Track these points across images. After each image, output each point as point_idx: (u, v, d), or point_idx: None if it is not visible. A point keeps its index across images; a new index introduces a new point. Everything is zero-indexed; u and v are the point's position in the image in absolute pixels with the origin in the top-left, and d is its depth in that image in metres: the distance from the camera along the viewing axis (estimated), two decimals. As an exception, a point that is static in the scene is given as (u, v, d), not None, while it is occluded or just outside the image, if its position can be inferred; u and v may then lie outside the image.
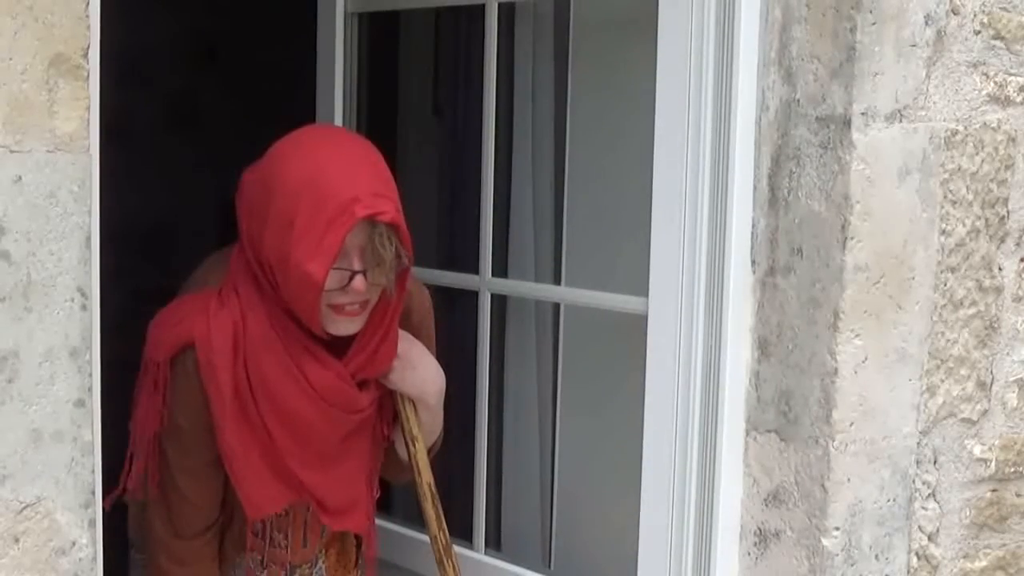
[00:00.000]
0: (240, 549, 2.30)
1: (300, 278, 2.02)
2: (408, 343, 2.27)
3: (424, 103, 3.20)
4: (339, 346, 2.16)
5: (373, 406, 2.25)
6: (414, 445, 2.30)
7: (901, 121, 2.13)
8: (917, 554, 2.27)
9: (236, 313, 2.11)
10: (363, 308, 2.11)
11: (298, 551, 2.34)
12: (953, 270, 2.23)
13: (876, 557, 2.22)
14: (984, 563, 2.36)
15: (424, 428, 2.32)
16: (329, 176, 2.02)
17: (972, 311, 2.27)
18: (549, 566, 2.82)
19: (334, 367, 2.15)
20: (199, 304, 2.13)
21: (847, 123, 2.09)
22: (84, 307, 1.69)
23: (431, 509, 2.32)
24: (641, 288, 2.34)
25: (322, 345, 2.15)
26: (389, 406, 2.31)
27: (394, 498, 3.04)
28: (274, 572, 2.34)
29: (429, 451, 2.36)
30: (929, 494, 2.27)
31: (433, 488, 2.33)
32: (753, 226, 2.22)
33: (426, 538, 2.38)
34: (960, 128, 2.21)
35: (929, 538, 2.28)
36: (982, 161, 2.24)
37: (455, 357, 2.48)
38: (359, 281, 2.05)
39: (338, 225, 1.99)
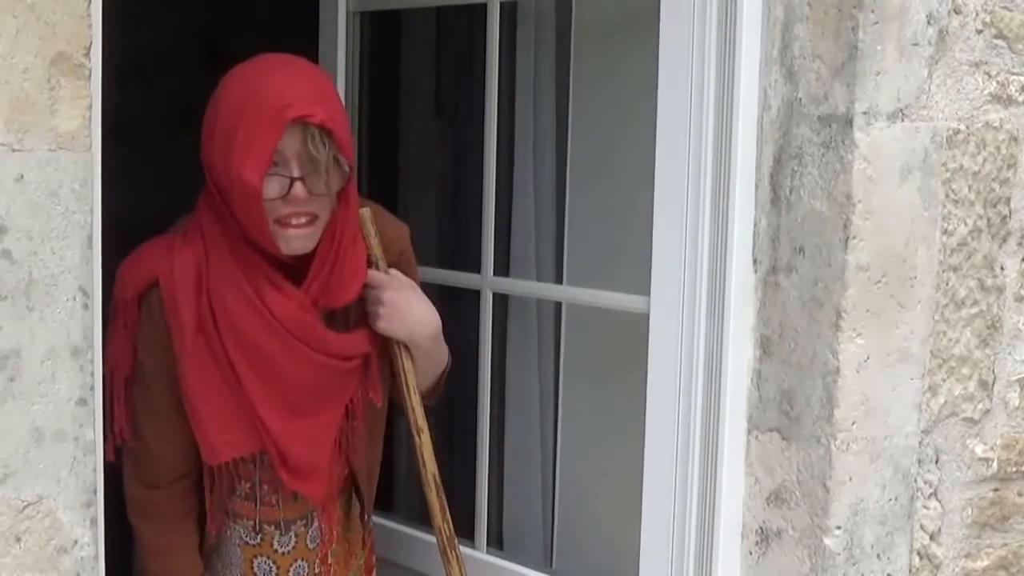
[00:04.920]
0: (225, 512, 2.27)
1: (240, 188, 2.06)
2: (396, 290, 2.26)
3: (426, 102, 3.20)
4: (302, 278, 2.18)
5: (354, 362, 2.24)
6: (419, 436, 2.30)
7: (903, 120, 2.13)
8: (919, 553, 2.27)
9: (199, 248, 2.16)
10: (311, 223, 2.13)
11: (289, 505, 2.30)
12: (955, 269, 2.23)
13: (878, 556, 2.22)
14: (986, 562, 2.36)
15: (420, 366, 2.33)
16: (266, 87, 2.06)
17: (974, 310, 2.27)
18: (551, 565, 2.82)
19: (295, 296, 2.17)
20: (164, 243, 2.19)
21: (849, 122, 2.09)
22: (86, 306, 1.69)
23: (435, 500, 2.32)
24: (643, 287, 2.34)
25: (284, 276, 2.17)
26: (376, 378, 2.31)
27: (395, 496, 3.04)
28: (269, 533, 2.31)
29: (434, 388, 2.39)
30: (931, 493, 2.27)
31: (438, 478, 2.32)
32: (755, 225, 2.22)
33: (427, 536, 2.38)
34: (962, 127, 2.21)
35: (931, 537, 2.28)
36: (984, 160, 2.24)
37: (457, 356, 2.48)
38: (298, 188, 2.08)
39: (270, 130, 2.03)
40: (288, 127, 2.04)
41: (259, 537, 2.31)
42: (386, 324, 2.26)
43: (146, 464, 2.20)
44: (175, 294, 2.13)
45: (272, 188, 2.07)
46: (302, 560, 2.34)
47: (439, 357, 2.39)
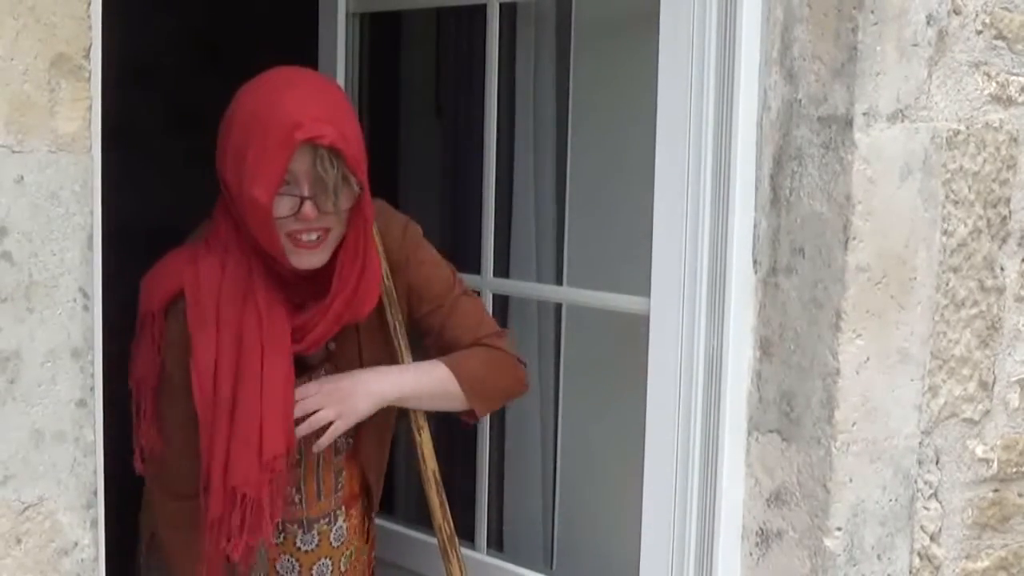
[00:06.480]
0: None
1: (251, 206, 2.06)
2: (323, 395, 2.22)
3: (426, 103, 3.20)
4: (319, 283, 2.17)
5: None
6: (419, 434, 2.31)
7: (903, 121, 2.13)
8: (919, 554, 2.27)
9: (223, 257, 2.15)
10: (321, 241, 2.12)
11: (313, 504, 2.31)
12: (955, 270, 2.23)
13: (878, 557, 2.22)
14: (986, 563, 2.36)
15: (426, 406, 2.31)
16: (277, 106, 2.05)
17: (974, 311, 2.27)
18: (551, 566, 2.82)
19: (309, 311, 2.16)
20: (187, 253, 2.19)
21: (849, 123, 2.09)
22: (86, 307, 1.69)
23: (436, 498, 2.32)
24: (643, 288, 2.34)
25: (301, 287, 2.16)
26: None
27: (395, 498, 3.04)
28: (292, 532, 2.31)
29: (506, 394, 2.40)
30: (931, 494, 2.27)
31: (438, 477, 2.32)
32: (755, 226, 2.22)
33: (427, 537, 2.38)
34: (962, 128, 2.21)
35: (931, 538, 2.28)
36: (984, 161, 2.24)
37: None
38: (308, 207, 2.07)
39: (280, 150, 2.03)
40: (298, 147, 2.03)
41: (281, 536, 2.31)
42: (345, 420, 2.22)
43: (176, 474, 2.18)
44: (200, 303, 2.12)
45: (283, 207, 2.07)
46: (326, 558, 2.35)
47: (443, 390, 2.30)
